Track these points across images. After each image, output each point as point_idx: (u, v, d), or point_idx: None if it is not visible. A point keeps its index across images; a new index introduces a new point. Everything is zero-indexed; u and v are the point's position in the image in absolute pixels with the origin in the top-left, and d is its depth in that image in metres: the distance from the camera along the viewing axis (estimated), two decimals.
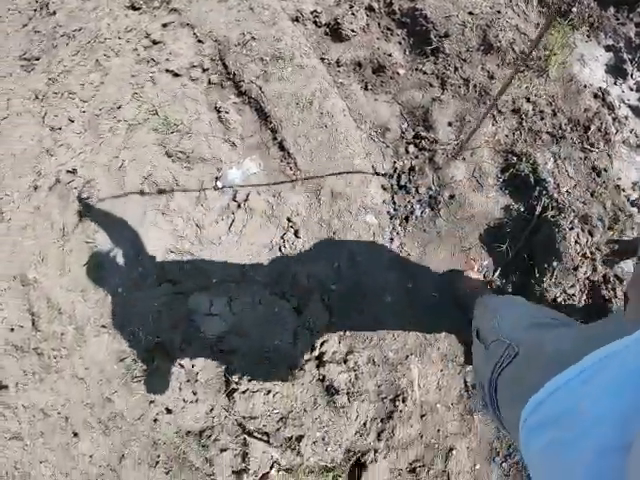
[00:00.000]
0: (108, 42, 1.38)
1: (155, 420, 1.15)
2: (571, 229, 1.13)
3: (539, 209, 1.18)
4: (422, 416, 1.22)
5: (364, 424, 1.19)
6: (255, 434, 1.11)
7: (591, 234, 1.17)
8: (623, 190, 1.32)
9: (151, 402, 1.14)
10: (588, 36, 1.45)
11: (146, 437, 1.23)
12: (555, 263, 1.13)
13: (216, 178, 1.31)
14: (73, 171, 1.31)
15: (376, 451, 1.18)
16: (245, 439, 1.14)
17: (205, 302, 1.12)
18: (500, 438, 1.26)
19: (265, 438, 1.12)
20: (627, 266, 1.30)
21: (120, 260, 1.31)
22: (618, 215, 1.25)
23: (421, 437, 1.22)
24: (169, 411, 1.16)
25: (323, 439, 1.11)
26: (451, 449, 1.21)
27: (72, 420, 1.25)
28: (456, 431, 1.23)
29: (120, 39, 1.39)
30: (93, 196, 1.34)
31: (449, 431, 1.23)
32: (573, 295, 1.18)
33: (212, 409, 1.18)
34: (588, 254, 1.16)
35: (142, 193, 1.26)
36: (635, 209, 1.32)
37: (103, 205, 1.34)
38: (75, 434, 1.24)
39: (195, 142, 1.30)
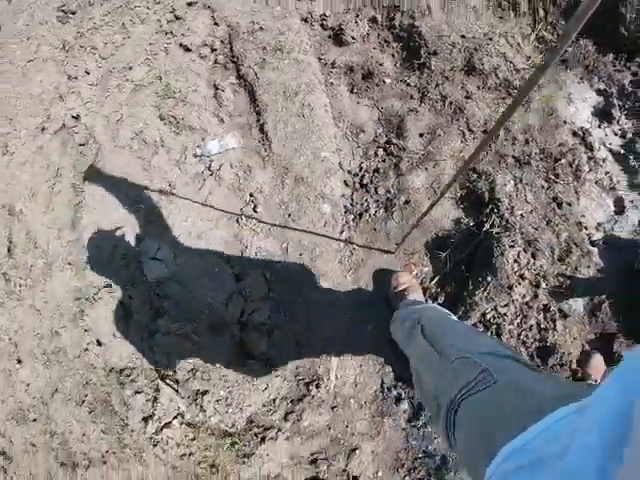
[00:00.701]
0: (137, 9, 1.58)
1: (86, 349, 1.27)
2: (512, 247, 1.18)
3: (487, 226, 1.25)
4: (333, 408, 1.27)
5: (274, 400, 1.26)
6: (167, 380, 1.22)
7: (534, 257, 1.21)
8: (585, 228, 1.35)
9: (86, 331, 1.28)
10: (581, 78, 1.52)
11: (80, 375, 1.35)
12: (489, 278, 1.18)
13: (197, 146, 1.48)
14: (77, 117, 1.51)
15: (279, 430, 1.24)
16: (158, 385, 1.24)
17: (153, 246, 1.26)
18: (407, 449, 1.29)
19: (175, 387, 1.22)
20: (577, 304, 1.32)
21: (98, 205, 1.49)
22: (571, 248, 1.28)
23: (328, 429, 1.27)
24: (100, 344, 1.29)
25: (226, 399, 1.20)
26: (355, 449, 1.25)
27: (20, 347, 1.39)
28: (364, 431, 1.27)
29: (148, 9, 1.59)
30: (89, 143, 1.55)
31: (357, 430, 1.27)
32: (505, 315, 1.21)
33: (136, 350, 1.30)
34: (527, 276, 1.20)
35: (131, 148, 1.46)
36: (595, 249, 1.35)
37: (96, 152, 1.53)
38: (19, 361, 1.38)
39: (187, 111, 1.46)
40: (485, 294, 1.18)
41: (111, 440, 1.30)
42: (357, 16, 1.58)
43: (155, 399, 1.23)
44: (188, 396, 1.21)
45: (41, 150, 1.53)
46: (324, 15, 1.62)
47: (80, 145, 1.53)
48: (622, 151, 1.45)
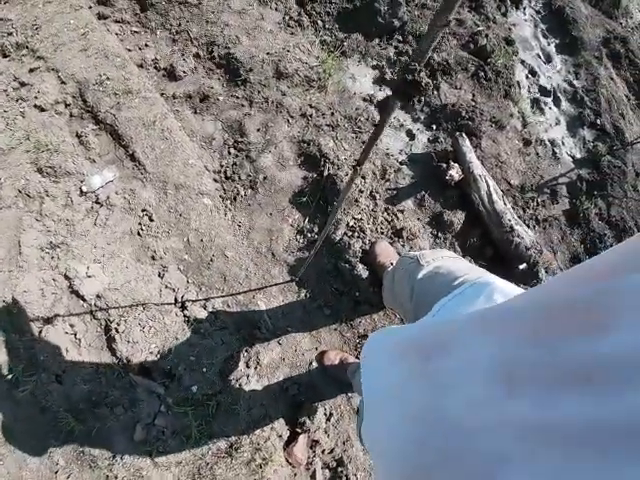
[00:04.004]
0: None
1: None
2: (346, 175, 1.98)
3: (326, 172, 2.07)
4: (278, 341, 1.85)
5: (231, 356, 1.77)
6: (139, 372, 1.65)
7: (364, 179, 2.05)
8: (392, 155, 2.32)
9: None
10: (359, 61, 2.54)
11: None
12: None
13: (80, 187, 2.05)
14: None
15: (248, 376, 1.76)
16: (130, 382, 1.65)
17: (82, 268, 1.77)
18: (346, 342, 1.94)
19: (148, 375, 1.66)
20: (407, 204, 2.25)
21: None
22: (387, 169, 2.16)
23: (283, 359, 1.84)
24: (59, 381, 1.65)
25: (197, 362, 1.69)
26: (311, 362, 1.88)
27: None
28: (309, 347, 1.89)
29: None
30: None
31: (304, 348, 1.88)
32: (361, 219, 1.99)
33: (98, 366, 1.70)
34: (364, 190, 2.08)
35: (17, 205, 1.96)
36: (404, 166, 2.34)
37: None
38: None
39: (62, 159, 1.93)
40: (343, 210, 1.95)
41: None
42: (183, 55, 2.38)
43: (133, 401, 1.62)
44: (163, 381, 1.65)
45: None
46: (155, 59, 2.38)
47: None
48: None
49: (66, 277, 1.77)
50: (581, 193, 2.61)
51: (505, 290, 0.80)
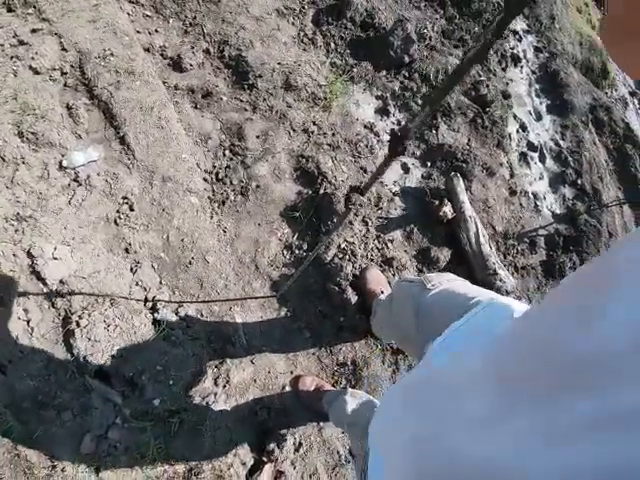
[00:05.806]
0: None
1: None
2: (343, 196, 2.03)
3: (322, 190, 2.05)
4: (252, 360, 1.76)
5: (200, 370, 1.66)
6: (96, 375, 1.50)
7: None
8: (386, 185, 2.35)
9: None
10: (364, 89, 2.59)
11: None
12: (335, 219, 1.92)
13: (60, 161, 1.93)
14: None
15: (215, 394, 1.65)
16: (85, 385, 1.50)
17: (49, 248, 1.62)
18: (323, 369, 1.87)
19: (106, 381, 1.51)
20: (396, 234, 2.26)
21: None
22: (381, 197, 2.19)
23: (254, 381, 1.75)
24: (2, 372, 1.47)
25: (164, 373, 1.56)
26: (284, 387, 1.79)
27: None
28: (284, 370, 1.81)
29: None
30: None
31: (278, 371, 1.79)
32: (353, 243, 1.97)
33: (49, 362, 1.52)
34: (358, 214, 2.02)
35: None
36: (397, 197, 2.36)
37: None
38: None
39: (46, 127, 1.81)
40: (336, 232, 1.94)
41: None
42: (192, 48, 2.33)
43: (85, 407, 1.46)
44: (123, 390, 1.50)
45: None
46: (163, 46, 2.31)
47: None
48: None
49: (29, 254, 1.63)
50: (558, 247, 2.72)
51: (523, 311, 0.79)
